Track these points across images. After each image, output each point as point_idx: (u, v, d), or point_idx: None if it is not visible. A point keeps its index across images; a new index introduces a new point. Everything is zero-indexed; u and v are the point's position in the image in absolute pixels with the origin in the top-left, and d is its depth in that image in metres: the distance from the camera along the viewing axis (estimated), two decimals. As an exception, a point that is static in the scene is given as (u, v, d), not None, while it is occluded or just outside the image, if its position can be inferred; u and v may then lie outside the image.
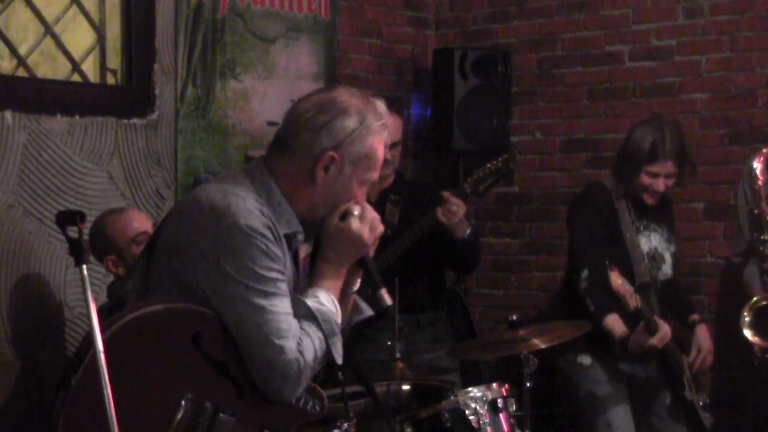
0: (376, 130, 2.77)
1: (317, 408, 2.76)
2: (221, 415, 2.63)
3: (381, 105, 2.84)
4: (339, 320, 2.74)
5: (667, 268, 4.69)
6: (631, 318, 4.42)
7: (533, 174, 5.90)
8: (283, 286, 2.66)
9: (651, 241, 4.65)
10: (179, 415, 2.59)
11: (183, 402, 2.60)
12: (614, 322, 4.43)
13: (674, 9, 5.44)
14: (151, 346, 2.57)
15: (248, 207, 2.65)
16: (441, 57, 5.79)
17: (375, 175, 2.81)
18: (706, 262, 5.37)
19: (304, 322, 2.67)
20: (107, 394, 2.39)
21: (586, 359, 4.61)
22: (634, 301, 4.24)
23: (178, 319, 2.61)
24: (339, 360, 2.70)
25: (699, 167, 5.34)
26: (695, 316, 4.76)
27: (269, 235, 2.64)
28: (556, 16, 5.81)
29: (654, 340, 4.35)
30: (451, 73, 5.65)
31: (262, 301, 2.61)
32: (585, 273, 4.51)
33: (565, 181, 5.74)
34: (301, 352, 2.61)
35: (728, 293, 5.29)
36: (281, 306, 2.63)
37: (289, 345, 2.61)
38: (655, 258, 4.65)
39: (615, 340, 4.44)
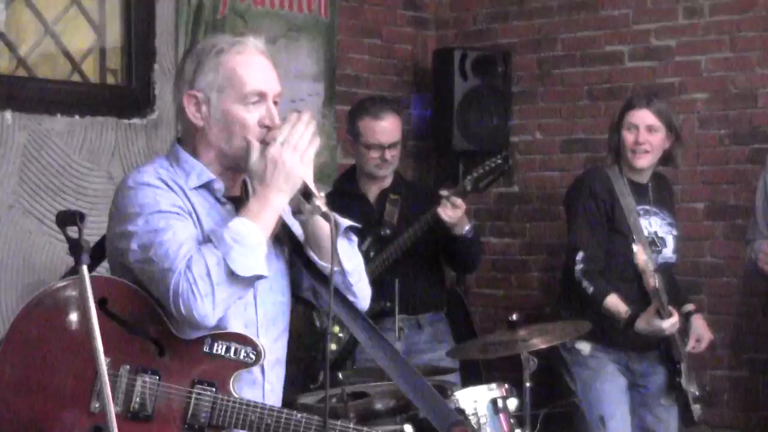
0: (223, 50, 2.78)
1: (252, 356, 2.72)
2: (141, 374, 2.65)
3: (245, 37, 2.85)
4: (251, 237, 2.64)
5: (668, 252, 4.62)
6: (632, 300, 4.41)
7: (533, 174, 5.90)
8: (175, 220, 2.67)
9: (651, 225, 4.59)
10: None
11: None
12: (616, 302, 4.41)
13: (674, 9, 5.43)
14: (60, 318, 2.62)
15: (141, 170, 2.77)
16: (441, 57, 5.79)
17: (257, 86, 2.76)
18: (706, 262, 5.37)
19: (203, 245, 2.65)
20: (107, 393, 2.39)
21: (584, 347, 4.58)
22: (653, 280, 4.21)
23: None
24: (245, 272, 2.61)
25: (699, 167, 5.36)
26: (692, 306, 4.74)
27: (158, 183, 2.72)
28: (556, 16, 5.81)
29: (665, 324, 4.31)
30: (451, 73, 5.65)
31: (153, 237, 2.65)
32: (581, 255, 4.49)
33: (565, 181, 5.71)
34: (188, 267, 2.59)
35: (728, 293, 5.30)
36: (170, 235, 2.64)
37: (176, 264, 2.60)
38: (655, 242, 4.59)
39: (621, 319, 4.39)
